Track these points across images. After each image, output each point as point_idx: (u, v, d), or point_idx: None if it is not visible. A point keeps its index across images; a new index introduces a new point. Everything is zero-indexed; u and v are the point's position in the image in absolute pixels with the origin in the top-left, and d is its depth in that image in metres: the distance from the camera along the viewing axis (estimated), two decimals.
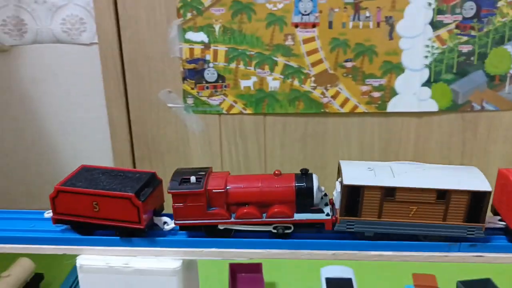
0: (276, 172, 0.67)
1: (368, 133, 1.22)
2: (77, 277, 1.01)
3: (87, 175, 0.70)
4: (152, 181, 0.69)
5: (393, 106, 1.19)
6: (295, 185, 0.65)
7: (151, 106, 1.22)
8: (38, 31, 1.18)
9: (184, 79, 1.19)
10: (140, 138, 1.25)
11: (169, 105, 1.21)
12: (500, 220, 0.68)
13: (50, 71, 1.23)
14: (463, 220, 0.63)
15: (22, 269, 1.06)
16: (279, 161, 1.25)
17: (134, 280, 0.68)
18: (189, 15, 1.13)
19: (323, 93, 1.18)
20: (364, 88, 1.18)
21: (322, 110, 1.20)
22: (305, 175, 0.67)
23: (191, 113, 1.22)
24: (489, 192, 0.62)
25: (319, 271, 1.00)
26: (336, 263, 0.99)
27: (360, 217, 0.64)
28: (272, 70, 1.17)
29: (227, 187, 0.66)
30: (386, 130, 1.22)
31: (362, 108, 1.19)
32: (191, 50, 1.16)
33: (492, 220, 0.68)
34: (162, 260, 0.68)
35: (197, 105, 1.21)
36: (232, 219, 0.66)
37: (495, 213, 0.70)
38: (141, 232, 0.67)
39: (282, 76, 1.17)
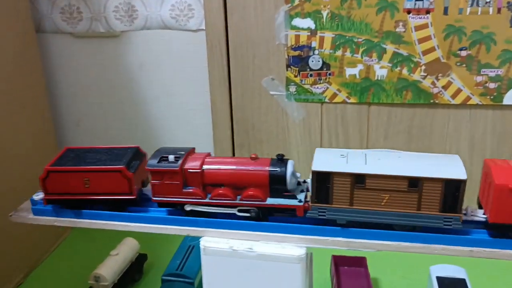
0: (253, 155, 0.68)
1: (480, 127, 1.15)
2: (183, 259, 1.03)
3: (73, 155, 0.73)
4: (137, 154, 0.73)
5: (509, 98, 1.11)
6: (269, 170, 0.65)
7: (253, 93, 1.21)
8: (147, 17, 1.21)
9: (288, 66, 1.17)
10: (241, 125, 1.25)
11: (271, 92, 1.20)
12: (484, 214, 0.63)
13: (156, 56, 1.26)
14: (439, 210, 0.60)
15: (128, 249, 1.10)
16: None
17: (257, 265, 0.68)
18: (296, 1, 1.11)
19: (433, 83, 1.12)
20: (479, 79, 1.11)
21: (431, 101, 1.14)
22: (281, 160, 0.66)
23: (292, 101, 1.20)
24: (464, 181, 0.58)
25: None
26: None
27: (331, 204, 0.63)
28: (380, 58, 1.12)
29: (203, 168, 0.67)
30: (501, 124, 1.14)
31: (475, 100, 1.12)
32: (297, 36, 1.15)
33: (476, 213, 0.64)
34: (286, 247, 0.67)
35: (300, 93, 1.19)
36: (207, 200, 0.68)
37: (480, 206, 0.65)
38: (132, 202, 0.70)
39: (390, 65, 1.13)
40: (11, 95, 1.08)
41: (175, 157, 0.68)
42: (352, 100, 1.17)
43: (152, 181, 0.68)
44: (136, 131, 1.34)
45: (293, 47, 1.15)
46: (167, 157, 0.68)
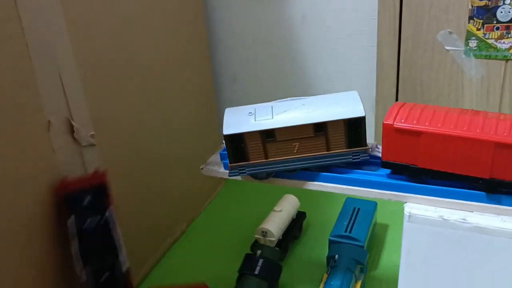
0: None
1: None
2: (350, 221, 0.99)
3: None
4: None
5: None
6: None
7: (426, 48, 1.11)
8: None
9: (470, 18, 1.05)
10: (407, 82, 1.16)
11: (447, 47, 1.09)
12: None
13: (320, 7, 1.19)
14: (347, 146, 0.65)
15: (291, 206, 1.08)
16: None
17: (470, 238, 0.61)
18: None
19: None
20: None
21: None
22: None
23: (471, 57, 1.08)
24: (363, 117, 0.64)
25: None
26: None
27: (249, 161, 0.66)
28: None
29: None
30: None
31: None
32: None
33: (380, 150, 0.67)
34: (507, 220, 0.60)
35: (481, 49, 1.07)
36: None
37: None
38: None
39: None
40: (174, 49, 1.08)
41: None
42: None
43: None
44: (294, 87, 1.31)
45: None
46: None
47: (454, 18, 1.06)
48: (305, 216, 1.13)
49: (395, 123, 0.61)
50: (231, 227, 1.16)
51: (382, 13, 1.10)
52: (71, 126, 0.75)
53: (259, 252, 0.91)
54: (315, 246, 1.07)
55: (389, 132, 0.62)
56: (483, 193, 0.61)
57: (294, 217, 1.09)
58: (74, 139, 0.76)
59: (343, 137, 0.65)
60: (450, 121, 0.60)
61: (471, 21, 1.05)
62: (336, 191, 0.68)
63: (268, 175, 0.69)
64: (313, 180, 0.68)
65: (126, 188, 0.92)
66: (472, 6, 1.04)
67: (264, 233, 0.99)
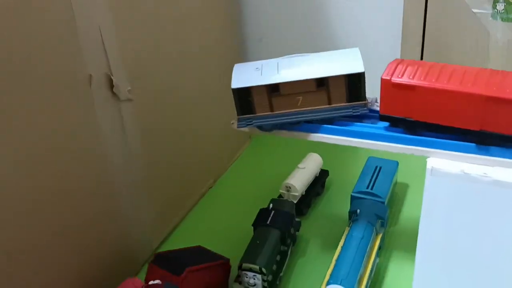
0: None
1: None
2: (371, 178, 1.03)
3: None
4: None
5: None
6: None
7: (453, 9, 1.11)
8: None
9: None
10: (433, 42, 1.17)
11: (474, 10, 1.10)
12: None
13: None
14: (347, 100, 0.70)
15: (314, 164, 1.12)
16: None
17: (491, 192, 0.64)
18: None
19: None
20: None
21: None
22: None
23: (498, 20, 1.09)
24: (362, 73, 0.68)
25: None
26: None
27: (256, 113, 0.71)
28: None
29: None
30: None
31: None
32: None
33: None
34: None
35: (509, 12, 1.07)
36: None
37: None
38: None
39: None
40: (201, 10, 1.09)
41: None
42: None
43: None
44: (318, 47, 1.32)
45: None
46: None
47: None
48: (328, 174, 1.17)
49: (392, 78, 0.65)
50: (257, 183, 1.21)
51: None
52: (111, 81, 0.79)
53: (271, 205, 0.96)
54: (337, 202, 1.11)
55: (387, 87, 0.66)
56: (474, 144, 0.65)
57: (317, 174, 1.13)
58: (113, 93, 0.80)
59: (343, 91, 0.69)
60: (444, 76, 0.64)
61: None
62: (338, 143, 0.72)
63: (273, 127, 0.73)
64: (315, 132, 0.72)
65: (158, 144, 0.96)
66: None
67: (288, 188, 1.03)
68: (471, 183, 0.65)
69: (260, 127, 0.74)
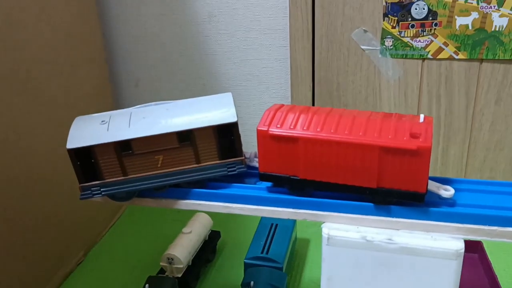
0: None
1: None
2: (267, 239, 0.89)
3: None
4: None
5: None
6: None
7: (341, 48, 1.04)
8: None
9: (385, 15, 0.99)
10: (324, 85, 1.08)
11: (363, 47, 1.03)
12: None
13: (228, 5, 1.09)
14: (219, 158, 0.57)
15: (202, 226, 0.97)
16: (491, 120, 1.03)
17: (398, 261, 0.52)
18: None
19: None
20: None
21: None
22: None
23: (388, 57, 1.03)
24: (235, 123, 0.55)
25: None
26: None
27: (104, 180, 0.56)
28: (500, 4, 0.93)
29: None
30: None
31: None
32: None
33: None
34: (438, 238, 0.52)
35: (397, 48, 1.01)
36: None
37: None
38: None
39: None
40: (67, 49, 0.94)
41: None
42: (460, 55, 0.99)
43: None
44: (202, 91, 1.19)
45: None
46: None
47: (369, 16, 1.00)
48: (220, 236, 1.02)
49: (269, 129, 0.53)
50: (134, 255, 1.02)
51: (293, 11, 1.02)
52: None
53: (146, 286, 0.79)
54: (232, 269, 0.96)
55: (264, 140, 0.54)
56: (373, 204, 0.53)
57: (207, 238, 0.97)
58: None
59: (214, 147, 0.56)
60: (331, 123, 0.52)
61: (386, 18, 1.00)
62: (213, 210, 0.58)
63: (130, 195, 0.58)
64: (185, 198, 0.58)
65: (5, 214, 0.76)
66: (386, 3, 0.98)
67: (171, 260, 0.86)
68: (375, 252, 0.53)
69: (113, 197, 0.58)
